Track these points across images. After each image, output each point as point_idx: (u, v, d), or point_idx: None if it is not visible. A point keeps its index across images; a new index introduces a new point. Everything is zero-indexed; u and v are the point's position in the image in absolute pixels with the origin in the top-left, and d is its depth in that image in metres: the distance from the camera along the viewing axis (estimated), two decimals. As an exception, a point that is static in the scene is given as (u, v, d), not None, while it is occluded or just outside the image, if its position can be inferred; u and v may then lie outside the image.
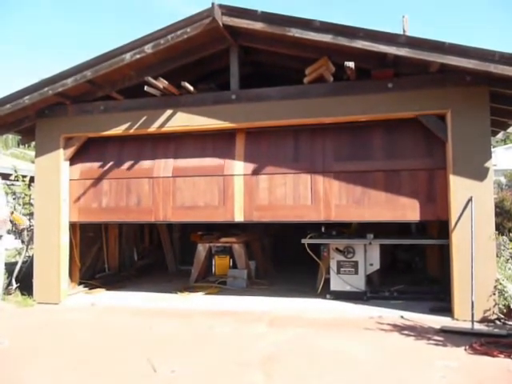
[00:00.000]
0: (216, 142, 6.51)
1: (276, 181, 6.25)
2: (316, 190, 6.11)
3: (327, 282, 6.70)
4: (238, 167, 6.36)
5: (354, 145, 6.07)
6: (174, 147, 6.67)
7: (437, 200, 5.74)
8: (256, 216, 6.30)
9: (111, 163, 6.86)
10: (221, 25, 5.74)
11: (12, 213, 4.68)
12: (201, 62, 6.64)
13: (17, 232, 9.59)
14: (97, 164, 6.93)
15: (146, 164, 6.73)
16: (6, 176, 12.01)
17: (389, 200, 5.89)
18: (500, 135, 8.28)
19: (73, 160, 6.96)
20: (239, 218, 6.34)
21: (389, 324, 5.25)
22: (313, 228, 6.80)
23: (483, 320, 5.24)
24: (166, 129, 6.41)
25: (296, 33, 5.48)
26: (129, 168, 6.78)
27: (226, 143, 6.44)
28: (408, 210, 5.82)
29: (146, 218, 6.74)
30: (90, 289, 7.46)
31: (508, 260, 6.18)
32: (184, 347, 4.64)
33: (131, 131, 6.54)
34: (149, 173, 6.68)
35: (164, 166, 6.63)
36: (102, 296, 7.14)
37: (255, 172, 6.32)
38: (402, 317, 5.54)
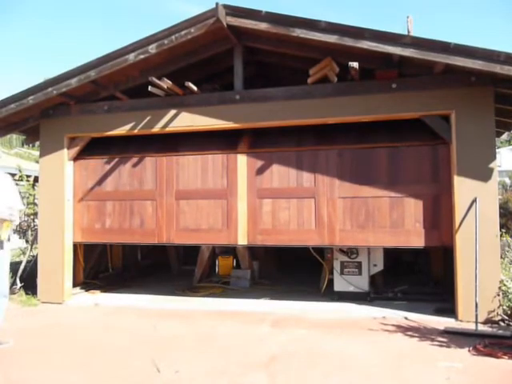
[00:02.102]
0: (219, 165, 6.47)
1: (280, 205, 6.24)
2: (320, 214, 6.08)
3: (331, 282, 6.70)
4: (242, 191, 6.35)
5: (358, 169, 6.00)
6: (176, 169, 6.62)
7: (441, 226, 5.69)
8: (260, 240, 6.29)
9: (114, 185, 6.85)
10: (225, 25, 5.73)
11: None
12: (205, 62, 6.64)
13: (21, 231, 9.61)
14: (100, 186, 6.90)
15: (148, 186, 6.71)
16: (10, 176, 12.02)
17: (393, 225, 5.85)
18: (504, 136, 8.29)
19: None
20: (242, 241, 6.33)
21: (392, 325, 5.24)
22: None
23: (487, 321, 5.22)
24: (169, 129, 6.42)
25: (301, 33, 5.47)
26: (131, 190, 6.77)
27: (229, 166, 6.41)
28: (412, 235, 5.79)
29: (149, 240, 6.71)
30: (94, 289, 7.48)
31: (512, 261, 6.17)
32: (188, 348, 4.64)
33: (135, 131, 6.56)
34: (152, 195, 6.68)
35: (167, 190, 6.62)
36: (105, 296, 7.15)
37: (259, 196, 6.30)
38: (405, 318, 5.53)
